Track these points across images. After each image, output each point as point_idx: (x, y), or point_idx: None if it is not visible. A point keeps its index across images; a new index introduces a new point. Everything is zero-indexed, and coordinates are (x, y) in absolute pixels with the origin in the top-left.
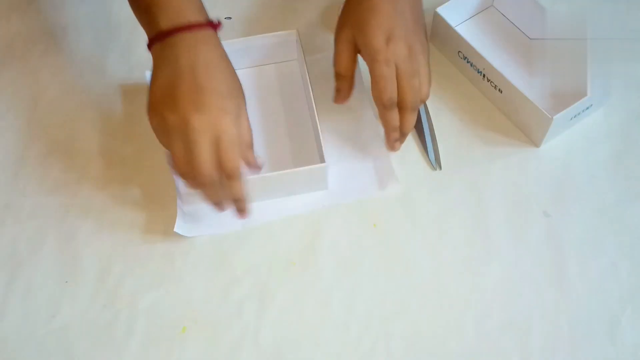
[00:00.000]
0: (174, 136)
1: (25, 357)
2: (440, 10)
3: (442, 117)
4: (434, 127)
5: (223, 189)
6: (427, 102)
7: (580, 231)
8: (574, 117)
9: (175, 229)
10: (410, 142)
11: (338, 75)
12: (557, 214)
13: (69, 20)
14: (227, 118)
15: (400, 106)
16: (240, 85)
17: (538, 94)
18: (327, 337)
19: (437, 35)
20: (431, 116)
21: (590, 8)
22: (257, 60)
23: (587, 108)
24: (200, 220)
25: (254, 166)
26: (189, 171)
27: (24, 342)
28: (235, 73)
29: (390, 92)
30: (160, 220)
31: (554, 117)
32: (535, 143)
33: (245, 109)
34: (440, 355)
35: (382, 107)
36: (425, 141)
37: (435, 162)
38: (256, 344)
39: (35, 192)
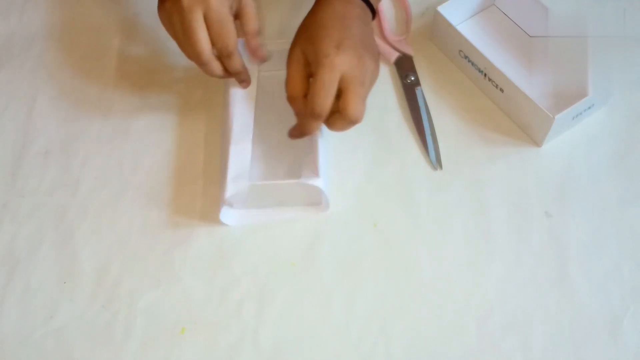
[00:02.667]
0: (173, 20)
1: (22, 358)
2: (441, 9)
3: (442, 116)
4: (435, 127)
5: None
6: (428, 101)
7: (582, 231)
8: (576, 116)
9: (221, 218)
10: (411, 141)
11: (290, 99)
12: (558, 214)
13: (67, 19)
14: None
15: (340, 114)
16: None
17: (539, 94)
18: (327, 337)
19: (438, 34)
20: (432, 115)
21: (592, 7)
22: (264, 67)
23: (589, 107)
24: (242, 210)
25: (257, 54)
26: (190, 51)
27: (22, 343)
28: None
29: (323, 100)
30: (158, 221)
31: (556, 117)
32: (537, 143)
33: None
34: (441, 356)
35: (310, 114)
36: (426, 141)
37: (436, 162)
38: (255, 345)
39: (33, 192)
